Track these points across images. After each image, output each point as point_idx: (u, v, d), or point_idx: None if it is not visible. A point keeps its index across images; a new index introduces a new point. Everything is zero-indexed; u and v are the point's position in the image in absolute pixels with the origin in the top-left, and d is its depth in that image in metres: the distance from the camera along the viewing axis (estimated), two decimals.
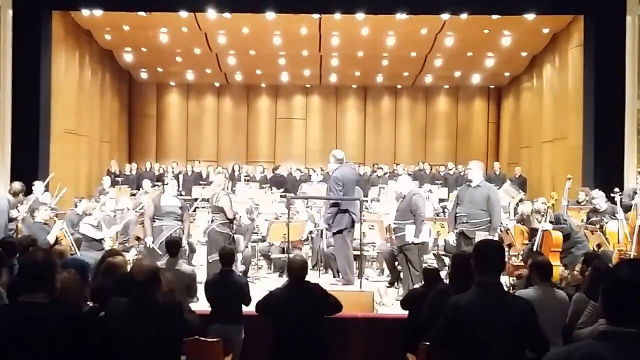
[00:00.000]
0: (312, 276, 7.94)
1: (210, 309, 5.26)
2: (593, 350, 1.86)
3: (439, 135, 17.79)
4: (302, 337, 4.12)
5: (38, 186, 8.95)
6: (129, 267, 4.57)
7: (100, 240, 7.68)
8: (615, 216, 7.61)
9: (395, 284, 7.73)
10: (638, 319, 1.86)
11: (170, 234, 6.97)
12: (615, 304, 1.91)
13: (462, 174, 13.81)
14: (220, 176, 8.19)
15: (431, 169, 15.37)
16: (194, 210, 10.49)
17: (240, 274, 6.82)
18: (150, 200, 7.87)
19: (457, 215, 7.05)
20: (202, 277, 7.13)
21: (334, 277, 8.44)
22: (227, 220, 7.34)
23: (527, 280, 4.50)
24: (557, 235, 7.00)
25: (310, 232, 9.45)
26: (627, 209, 7.83)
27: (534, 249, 7.23)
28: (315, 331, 4.20)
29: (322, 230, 9.26)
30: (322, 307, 4.27)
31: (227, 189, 8.19)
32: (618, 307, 1.90)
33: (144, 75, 17.12)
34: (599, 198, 8.12)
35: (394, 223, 7.32)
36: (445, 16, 11.47)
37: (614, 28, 10.02)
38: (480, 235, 6.77)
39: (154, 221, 7.28)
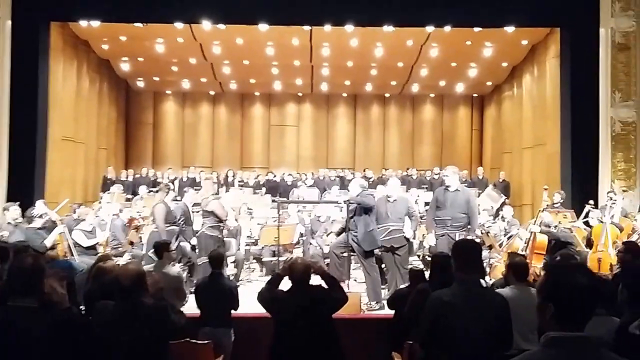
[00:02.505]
0: None
1: (199, 311, 5.28)
2: (542, 358, 1.84)
3: (426, 142, 18.01)
4: (308, 345, 3.83)
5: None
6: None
7: (94, 246, 7.79)
8: (602, 220, 7.90)
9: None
10: (581, 322, 1.86)
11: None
12: (560, 309, 1.87)
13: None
14: (209, 182, 8.40)
15: (418, 174, 15.56)
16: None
17: (230, 277, 7.00)
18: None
19: (440, 218, 7.18)
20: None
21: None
22: (217, 224, 7.48)
23: (505, 279, 4.63)
24: (542, 239, 7.42)
25: (301, 235, 9.72)
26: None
27: (522, 250, 7.66)
28: (325, 337, 3.91)
29: (310, 234, 9.65)
30: (328, 308, 3.98)
31: (217, 193, 8.45)
32: (562, 311, 1.87)
33: (140, 84, 17.20)
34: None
35: (389, 225, 7.29)
36: (430, 28, 11.65)
37: (589, 40, 10.24)
38: (462, 237, 6.91)
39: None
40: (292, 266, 4.04)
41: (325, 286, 4.16)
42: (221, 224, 7.65)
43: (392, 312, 5.37)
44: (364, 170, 15.80)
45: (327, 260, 8.91)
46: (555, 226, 7.75)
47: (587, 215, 8.67)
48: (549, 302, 1.89)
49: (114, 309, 3.36)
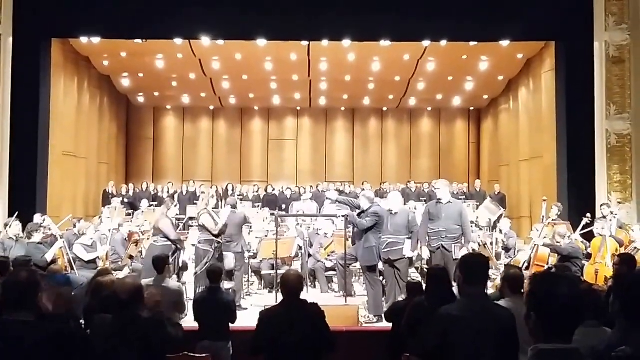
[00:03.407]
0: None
1: (198, 325, 5.26)
2: None
3: (423, 155, 18.18)
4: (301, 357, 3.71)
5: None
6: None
7: (94, 260, 7.81)
8: (602, 233, 7.91)
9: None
10: (566, 333, 1.88)
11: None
12: (543, 320, 1.89)
13: None
14: (204, 195, 8.36)
15: (416, 187, 15.60)
16: (186, 229, 10.85)
17: (228, 291, 6.87)
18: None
19: (434, 230, 7.22)
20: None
21: (322, 292, 8.79)
22: (210, 238, 7.48)
23: (500, 292, 4.54)
24: (543, 252, 7.55)
25: (300, 249, 9.65)
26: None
27: (528, 261, 7.74)
28: (313, 354, 3.76)
29: (309, 247, 9.69)
30: (319, 330, 3.80)
31: (219, 207, 8.49)
32: (544, 321, 1.89)
33: (141, 99, 17.36)
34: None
35: (388, 238, 7.26)
36: (426, 43, 11.74)
37: (583, 53, 10.29)
38: (456, 248, 7.11)
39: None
40: (285, 277, 3.99)
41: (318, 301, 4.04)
42: (215, 238, 7.63)
43: (390, 324, 5.38)
44: (363, 184, 15.88)
45: (329, 274, 9.04)
46: (569, 236, 7.80)
47: (584, 228, 8.71)
48: (531, 311, 1.92)
49: (112, 323, 3.40)
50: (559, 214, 9.65)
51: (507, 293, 4.29)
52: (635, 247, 7.63)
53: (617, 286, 2.86)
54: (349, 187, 15.94)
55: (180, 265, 8.02)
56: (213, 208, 8.10)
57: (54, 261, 7.34)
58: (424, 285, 5.57)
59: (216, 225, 7.51)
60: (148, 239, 8.73)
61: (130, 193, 15.10)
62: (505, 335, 3.00)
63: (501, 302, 4.08)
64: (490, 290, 7.29)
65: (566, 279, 2.05)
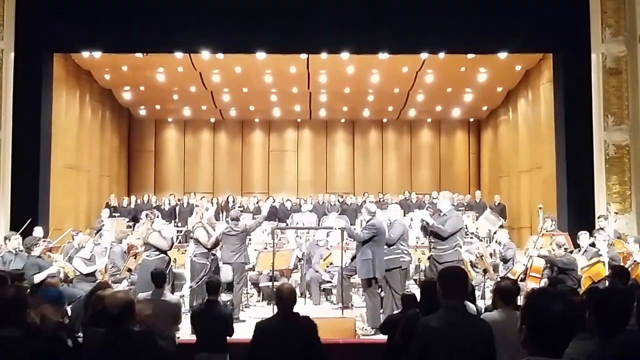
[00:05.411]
0: (299, 303, 8.35)
1: (195, 337, 5.32)
2: None
3: (424, 166, 18.24)
4: None
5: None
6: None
7: (93, 273, 7.84)
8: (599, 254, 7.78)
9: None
10: (557, 347, 1.90)
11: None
12: (535, 335, 1.92)
13: None
14: (197, 209, 8.45)
15: (417, 198, 15.59)
16: (187, 240, 10.87)
17: (226, 303, 7.00)
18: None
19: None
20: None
21: (314, 303, 8.73)
22: (205, 251, 7.55)
23: (492, 303, 4.55)
24: (538, 263, 7.57)
25: (299, 260, 9.71)
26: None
27: (524, 273, 7.73)
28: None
29: (307, 259, 9.70)
30: (311, 342, 3.85)
31: (219, 219, 8.51)
32: (538, 337, 1.91)
33: (142, 112, 17.49)
34: (582, 240, 8.09)
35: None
36: (424, 55, 11.82)
37: (581, 65, 10.29)
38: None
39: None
40: (279, 290, 4.03)
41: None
42: (209, 251, 7.70)
43: (385, 337, 5.33)
44: (364, 194, 15.90)
45: (325, 286, 9.05)
46: (566, 248, 7.78)
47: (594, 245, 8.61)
48: (524, 324, 1.98)
49: (104, 337, 3.41)
50: (553, 225, 9.63)
51: (499, 304, 4.26)
52: (635, 261, 7.59)
53: (590, 302, 2.89)
54: (343, 197, 15.93)
55: (173, 278, 8.02)
56: (211, 221, 8.14)
57: (54, 275, 7.22)
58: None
59: (209, 238, 7.55)
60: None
61: (132, 205, 15.13)
62: (482, 347, 3.04)
63: (493, 313, 4.14)
64: (489, 302, 7.35)
65: (561, 295, 2.07)
